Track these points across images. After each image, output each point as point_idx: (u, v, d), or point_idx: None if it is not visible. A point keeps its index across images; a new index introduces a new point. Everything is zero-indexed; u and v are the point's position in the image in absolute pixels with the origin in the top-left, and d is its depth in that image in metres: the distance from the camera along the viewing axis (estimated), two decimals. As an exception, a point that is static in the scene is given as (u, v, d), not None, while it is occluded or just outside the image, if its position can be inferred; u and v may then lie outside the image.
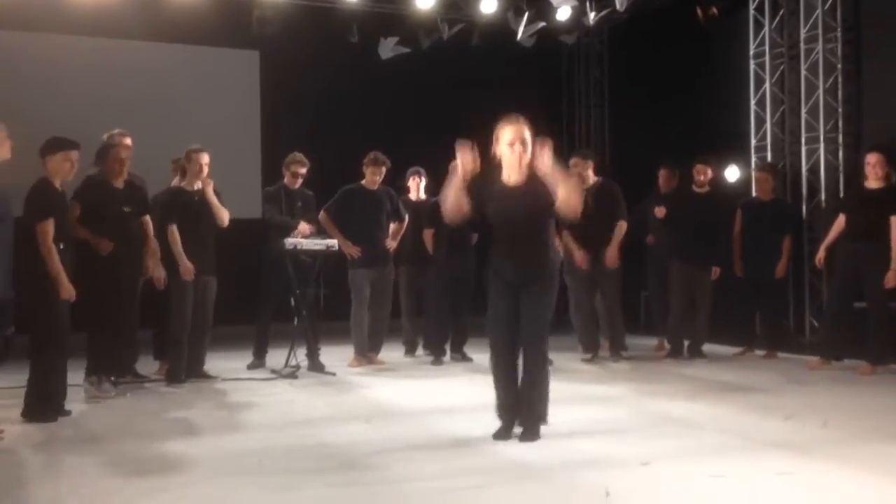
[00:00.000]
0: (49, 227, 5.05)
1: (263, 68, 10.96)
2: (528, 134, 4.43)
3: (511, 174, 4.48)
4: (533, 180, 4.43)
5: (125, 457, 4.24)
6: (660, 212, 7.93)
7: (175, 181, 6.99)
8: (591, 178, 7.66)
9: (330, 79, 10.51)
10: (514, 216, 4.43)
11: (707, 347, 7.88)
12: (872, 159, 6.75)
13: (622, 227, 7.54)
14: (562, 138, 13.10)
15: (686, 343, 7.85)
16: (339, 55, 10.18)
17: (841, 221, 7.03)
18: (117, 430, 4.90)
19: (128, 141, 6.70)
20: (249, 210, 7.93)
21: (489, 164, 4.51)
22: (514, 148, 4.40)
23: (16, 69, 9.68)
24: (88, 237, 5.82)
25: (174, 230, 6.48)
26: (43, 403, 5.09)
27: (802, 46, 9.12)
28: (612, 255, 7.48)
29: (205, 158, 6.61)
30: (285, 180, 7.50)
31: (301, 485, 3.69)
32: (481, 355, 7.41)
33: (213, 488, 3.67)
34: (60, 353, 5.19)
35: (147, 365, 6.98)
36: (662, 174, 8.39)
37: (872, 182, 6.80)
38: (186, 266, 6.43)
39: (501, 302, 4.47)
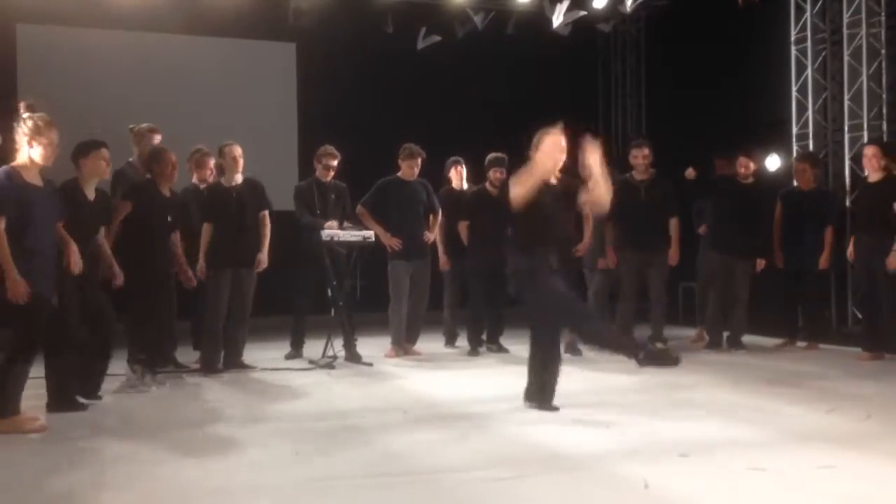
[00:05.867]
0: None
1: (300, 60, 11.01)
2: (565, 143, 4.87)
3: (548, 177, 4.91)
4: (565, 182, 5.01)
5: (160, 444, 4.30)
6: (690, 174, 7.86)
7: (195, 178, 7.09)
8: (648, 169, 7.62)
9: (366, 70, 10.53)
10: (552, 213, 4.90)
11: (747, 339, 7.79)
12: (869, 152, 7.04)
13: (676, 224, 7.56)
14: (597, 128, 13.02)
15: (725, 334, 7.77)
16: (374, 46, 10.19)
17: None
18: (153, 419, 4.96)
19: (158, 138, 6.76)
20: (286, 202, 7.95)
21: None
22: (556, 156, 4.85)
23: (53, 64, 9.83)
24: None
25: (208, 228, 6.57)
26: (61, 395, 5.13)
27: (845, 32, 8.94)
28: (673, 254, 7.59)
29: (238, 151, 6.69)
30: (317, 173, 7.50)
31: (338, 474, 3.71)
32: (518, 346, 7.43)
33: (250, 477, 3.70)
34: (72, 344, 5.19)
35: (187, 354, 7.06)
36: (719, 163, 8.27)
37: (872, 175, 7.05)
38: (188, 275, 6.45)
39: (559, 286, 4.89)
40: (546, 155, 4.85)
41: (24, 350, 4.66)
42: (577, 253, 7.50)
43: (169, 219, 6.14)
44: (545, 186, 4.87)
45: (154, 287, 5.98)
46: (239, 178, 6.71)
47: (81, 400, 5.28)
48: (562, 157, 4.88)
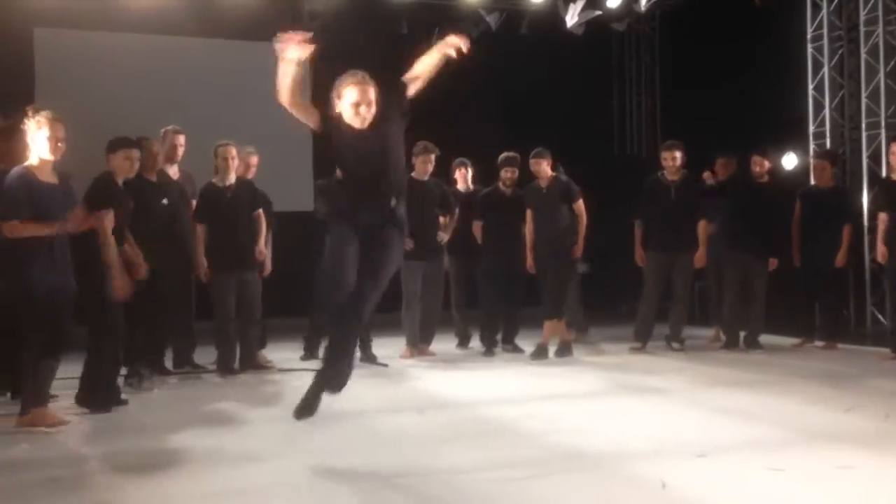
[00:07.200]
0: (109, 217, 5.18)
1: (314, 61, 11.02)
2: (374, 94, 4.12)
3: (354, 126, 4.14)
4: (378, 124, 4.17)
5: (176, 446, 4.32)
6: (708, 177, 7.81)
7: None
8: (679, 170, 7.60)
9: (380, 71, 10.52)
10: (355, 157, 4.16)
11: (764, 338, 7.74)
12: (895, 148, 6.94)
13: (704, 226, 7.54)
14: (612, 127, 13.00)
15: (742, 334, 7.73)
16: (388, 47, 10.19)
17: (884, 217, 7.06)
18: (170, 420, 4.97)
19: (181, 139, 6.81)
20: (302, 203, 7.99)
21: (328, 117, 4.20)
22: (360, 110, 4.09)
23: (70, 67, 9.90)
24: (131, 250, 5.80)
25: (200, 229, 6.59)
26: (98, 393, 5.20)
27: (862, 29, 8.89)
28: (700, 256, 7.52)
29: (231, 152, 6.68)
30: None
31: (353, 475, 3.72)
32: (533, 347, 7.41)
33: (263, 477, 3.71)
34: (116, 343, 5.30)
35: (207, 355, 7.06)
36: (720, 163, 8.24)
37: None
38: (202, 266, 6.55)
39: (347, 247, 4.12)
40: (348, 109, 4.10)
41: (47, 346, 4.66)
42: (574, 254, 7.45)
43: (165, 202, 6.13)
44: (349, 129, 4.14)
45: (149, 289, 5.86)
46: (232, 178, 6.72)
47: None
48: (369, 111, 4.09)
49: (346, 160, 4.24)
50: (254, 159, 7.09)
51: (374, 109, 4.11)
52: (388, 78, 4.28)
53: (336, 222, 4.23)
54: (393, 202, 4.19)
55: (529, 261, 7.53)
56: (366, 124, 4.11)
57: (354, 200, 4.19)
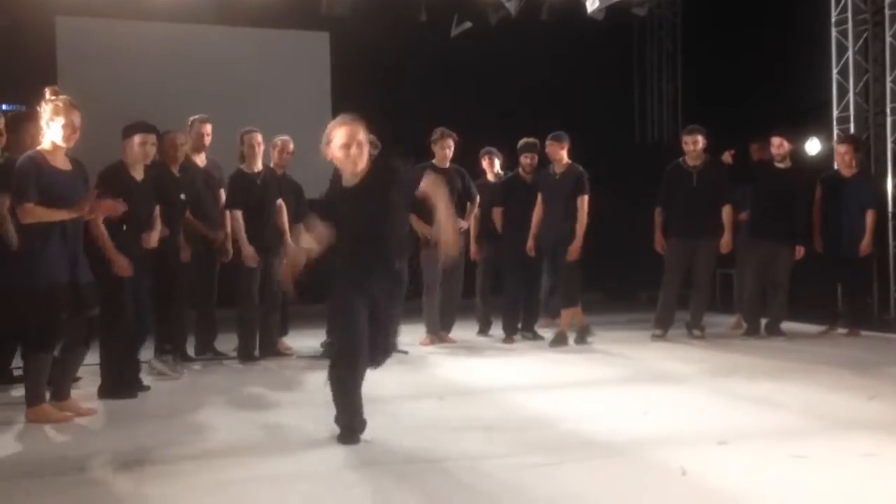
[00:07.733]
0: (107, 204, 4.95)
1: (334, 49, 11.04)
2: (363, 134, 4.08)
3: (347, 178, 4.14)
4: (372, 179, 4.11)
5: (200, 433, 4.37)
6: (726, 157, 7.74)
7: (272, 163, 7.18)
8: (701, 155, 7.54)
9: (399, 58, 10.52)
10: (354, 220, 4.11)
11: (787, 326, 7.69)
12: None
13: (729, 211, 7.46)
14: (633, 113, 12.91)
15: (764, 321, 7.68)
16: (408, 34, 10.18)
17: None
18: (194, 407, 5.01)
19: (208, 128, 6.84)
20: (322, 191, 7.97)
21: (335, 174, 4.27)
22: (350, 151, 4.04)
23: (92, 55, 9.96)
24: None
25: (238, 216, 6.57)
26: (116, 381, 5.23)
27: (887, 12, 8.75)
28: (726, 241, 7.45)
29: (258, 139, 6.68)
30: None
31: (376, 461, 3.74)
32: (552, 335, 7.40)
33: (289, 464, 3.74)
34: (128, 330, 5.26)
35: (229, 342, 7.10)
36: (754, 148, 8.16)
37: None
38: (248, 252, 6.53)
39: (358, 314, 4.07)
40: (339, 153, 4.07)
41: (42, 339, 4.62)
42: (570, 256, 7.19)
43: (182, 197, 6.15)
44: (342, 192, 4.16)
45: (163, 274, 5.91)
46: (259, 165, 6.74)
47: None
48: (360, 152, 4.05)
49: (343, 217, 4.17)
50: (291, 146, 7.14)
51: (365, 150, 4.08)
52: (402, 168, 4.24)
53: (339, 280, 4.12)
54: (397, 265, 4.16)
55: (530, 243, 7.47)
56: (357, 168, 4.07)
57: (356, 263, 4.12)
